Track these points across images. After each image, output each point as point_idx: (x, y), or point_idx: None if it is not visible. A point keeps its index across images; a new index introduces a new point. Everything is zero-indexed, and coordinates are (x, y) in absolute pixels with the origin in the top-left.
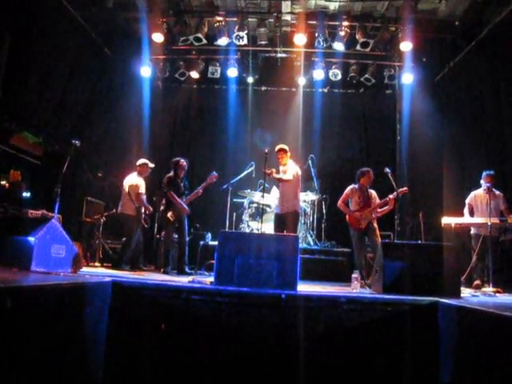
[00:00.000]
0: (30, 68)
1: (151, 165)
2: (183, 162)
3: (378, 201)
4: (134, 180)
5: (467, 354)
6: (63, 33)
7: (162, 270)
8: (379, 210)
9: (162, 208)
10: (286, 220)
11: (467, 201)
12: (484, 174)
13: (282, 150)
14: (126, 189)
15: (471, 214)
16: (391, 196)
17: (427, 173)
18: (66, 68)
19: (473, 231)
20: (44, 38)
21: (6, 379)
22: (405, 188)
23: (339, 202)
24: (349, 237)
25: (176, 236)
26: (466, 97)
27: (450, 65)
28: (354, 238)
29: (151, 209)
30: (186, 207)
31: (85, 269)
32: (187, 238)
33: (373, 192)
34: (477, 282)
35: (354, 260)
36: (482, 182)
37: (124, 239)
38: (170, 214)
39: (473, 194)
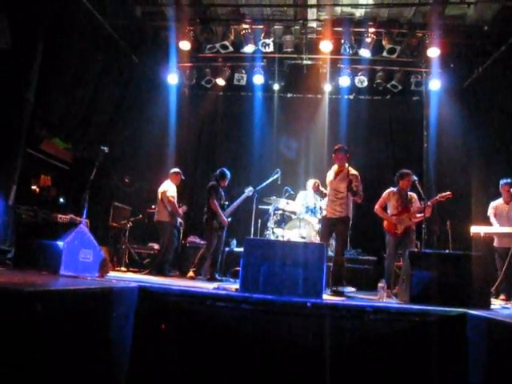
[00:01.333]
0: (61, 75)
1: (182, 176)
2: (225, 172)
3: (418, 205)
4: (165, 186)
5: (497, 368)
6: (92, 41)
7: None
8: (418, 216)
9: (205, 216)
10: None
11: (488, 214)
12: (501, 182)
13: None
14: (159, 196)
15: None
16: (429, 202)
17: (455, 181)
18: (94, 75)
19: (496, 244)
20: (74, 45)
21: (34, 382)
22: (448, 193)
23: (376, 207)
24: (375, 245)
25: (203, 242)
26: (495, 103)
27: (478, 71)
28: (389, 244)
29: (181, 213)
30: (225, 219)
31: (111, 273)
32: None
33: (414, 195)
34: (502, 297)
35: (385, 267)
36: (501, 191)
37: (158, 246)
38: (215, 222)
39: (492, 204)
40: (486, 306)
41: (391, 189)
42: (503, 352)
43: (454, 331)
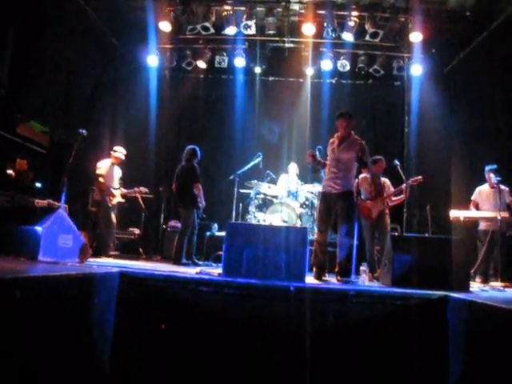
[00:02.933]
0: (37, 58)
1: (120, 155)
2: (197, 150)
3: (391, 189)
4: (98, 164)
5: (477, 349)
6: (69, 22)
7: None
8: (394, 199)
9: (184, 198)
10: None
11: (472, 197)
12: (487, 168)
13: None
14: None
15: (476, 210)
16: (405, 185)
17: (435, 165)
18: (72, 57)
19: (480, 227)
20: (50, 27)
21: (14, 369)
22: (419, 177)
23: None
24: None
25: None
26: (476, 89)
27: (459, 56)
28: (365, 228)
29: (113, 192)
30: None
31: (91, 259)
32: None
33: (386, 180)
34: (478, 279)
35: (366, 251)
36: (486, 177)
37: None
38: (199, 205)
39: (477, 189)
40: (466, 289)
41: (364, 174)
42: (482, 333)
43: (435, 314)
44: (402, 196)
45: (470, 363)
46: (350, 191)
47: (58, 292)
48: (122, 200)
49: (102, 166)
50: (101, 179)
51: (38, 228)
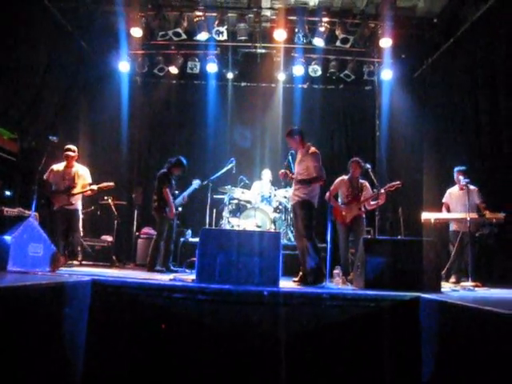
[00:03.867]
0: (4, 62)
1: (69, 153)
2: (182, 161)
3: (370, 192)
4: None
5: (448, 349)
6: (38, 26)
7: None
8: (372, 203)
9: (155, 204)
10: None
11: (443, 200)
12: (455, 169)
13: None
14: None
15: (448, 212)
16: (382, 190)
17: (407, 168)
18: (41, 62)
19: (451, 228)
20: (18, 31)
21: None
22: (397, 182)
23: (327, 194)
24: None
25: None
26: (445, 93)
27: (428, 61)
28: (340, 231)
29: (56, 195)
30: (174, 211)
31: (63, 268)
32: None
33: (365, 183)
34: (452, 279)
35: (340, 255)
36: (455, 178)
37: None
38: (167, 210)
39: (448, 192)
40: (437, 289)
41: (343, 177)
42: (453, 332)
43: (408, 315)
44: (379, 201)
45: (442, 362)
46: (306, 200)
47: (27, 302)
48: (74, 203)
49: (49, 169)
50: (44, 183)
51: (7, 237)
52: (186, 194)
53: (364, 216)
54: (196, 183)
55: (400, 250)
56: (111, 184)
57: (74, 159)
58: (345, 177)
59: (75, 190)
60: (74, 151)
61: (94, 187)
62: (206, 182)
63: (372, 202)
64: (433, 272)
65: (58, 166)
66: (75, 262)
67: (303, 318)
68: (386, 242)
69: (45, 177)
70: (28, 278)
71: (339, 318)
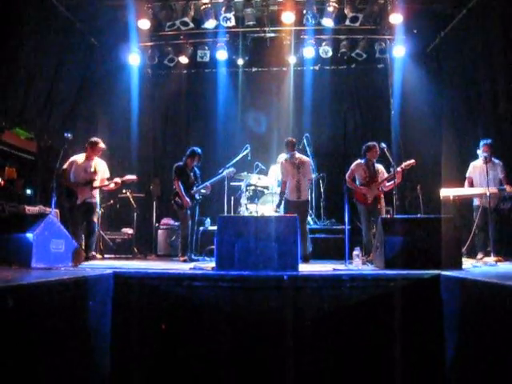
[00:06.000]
0: (16, 62)
1: (102, 145)
2: (194, 150)
3: (385, 175)
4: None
5: (470, 326)
6: (47, 24)
7: (182, 259)
8: (387, 184)
9: (171, 196)
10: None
11: (467, 174)
12: (481, 143)
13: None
14: None
15: (471, 186)
16: (398, 169)
17: (424, 145)
18: (52, 60)
19: (475, 203)
20: (28, 30)
21: (11, 380)
22: (412, 161)
23: (347, 178)
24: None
25: (177, 223)
26: (460, 66)
27: (440, 35)
28: (361, 213)
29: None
30: (188, 200)
31: (85, 262)
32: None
33: (380, 166)
34: (480, 255)
35: (363, 236)
36: (478, 152)
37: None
38: (180, 202)
39: (471, 165)
40: (458, 266)
41: (359, 161)
42: (475, 309)
43: (429, 293)
44: (396, 181)
45: (465, 339)
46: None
47: (52, 298)
48: (96, 196)
49: (69, 161)
50: (66, 174)
51: (29, 235)
52: (208, 182)
53: (382, 196)
54: (229, 172)
55: (419, 228)
56: (134, 177)
57: (99, 153)
58: (361, 161)
59: (96, 184)
60: (96, 143)
61: (118, 180)
62: (222, 170)
63: (387, 184)
64: (453, 249)
65: (79, 158)
66: (98, 256)
67: (324, 300)
68: (404, 220)
69: (65, 166)
70: (52, 273)
71: (360, 299)
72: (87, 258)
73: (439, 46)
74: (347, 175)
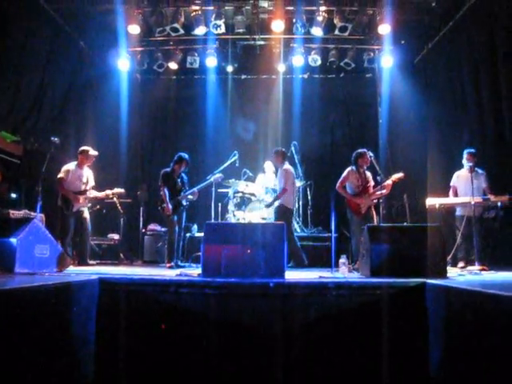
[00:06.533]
0: (3, 66)
1: (93, 152)
2: (182, 156)
3: (372, 182)
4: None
5: (455, 334)
6: (35, 27)
7: (168, 265)
8: (377, 193)
9: (159, 203)
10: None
11: (451, 183)
12: (465, 152)
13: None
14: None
15: (455, 195)
16: (389, 181)
17: (411, 155)
18: (40, 63)
19: (457, 213)
20: (15, 32)
21: None
22: (401, 174)
23: (338, 185)
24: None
25: (164, 229)
26: (446, 78)
27: (428, 46)
28: (353, 222)
29: (77, 197)
30: (170, 207)
31: (71, 267)
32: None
33: (369, 174)
34: (461, 264)
35: (352, 245)
36: (463, 161)
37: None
38: (163, 208)
39: (455, 174)
40: (443, 274)
41: (350, 168)
42: (460, 318)
43: (414, 301)
44: (384, 191)
45: (450, 347)
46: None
47: (35, 303)
48: (88, 204)
49: (64, 169)
50: (61, 182)
51: (13, 240)
52: (196, 188)
53: (381, 206)
54: (214, 177)
55: (405, 237)
56: (122, 190)
57: (91, 161)
58: (353, 168)
59: (89, 193)
60: (88, 152)
61: (109, 192)
62: (209, 177)
63: (378, 193)
64: (438, 257)
65: (71, 166)
66: (92, 262)
67: (310, 308)
68: (390, 229)
69: (62, 176)
70: (35, 279)
71: (346, 306)
72: (87, 265)
73: (426, 57)
74: (339, 182)
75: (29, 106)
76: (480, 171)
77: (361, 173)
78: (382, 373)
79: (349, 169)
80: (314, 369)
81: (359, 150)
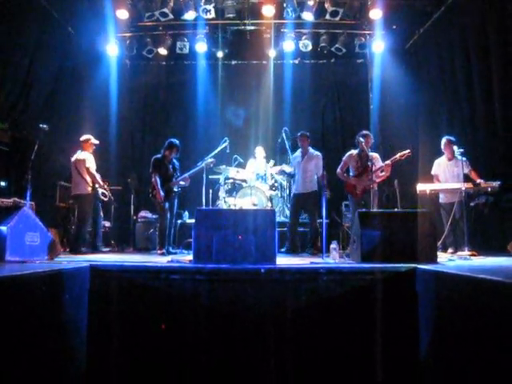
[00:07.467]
0: None
1: (95, 141)
2: (172, 142)
3: (380, 163)
4: (79, 155)
5: (444, 317)
6: (23, 14)
7: (159, 252)
8: (380, 175)
9: (150, 190)
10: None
11: (433, 172)
12: (445, 139)
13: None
14: (75, 166)
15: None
16: (388, 162)
17: (402, 140)
18: (28, 49)
19: (442, 200)
20: (2, 19)
21: None
22: (407, 151)
23: (338, 170)
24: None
25: (154, 216)
26: (437, 63)
27: (420, 31)
28: (351, 205)
29: (102, 183)
30: (162, 194)
31: (63, 255)
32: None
33: (376, 155)
34: (450, 250)
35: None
36: (443, 147)
37: (77, 221)
38: (154, 194)
39: (436, 162)
40: (434, 260)
41: (351, 151)
42: (448, 301)
43: (404, 286)
44: (384, 174)
45: (439, 331)
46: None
47: (26, 292)
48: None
49: (90, 159)
50: (93, 171)
51: (3, 228)
52: (187, 174)
53: (376, 188)
54: (206, 163)
55: (395, 223)
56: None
57: (92, 149)
58: (354, 151)
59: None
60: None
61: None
62: (200, 163)
63: (380, 174)
64: (428, 243)
65: (91, 155)
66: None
67: (301, 293)
68: (380, 214)
69: (90, 165)
70: (26, 267)
71: (336, 292)
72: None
73: (418, 42)
74: (339, 167)
75: (16, 92)
76: (459, 157)
77: (362, 155)
78: (373, 357)
79: (349, 152)
80: (305, 354)
81: (362, 132)
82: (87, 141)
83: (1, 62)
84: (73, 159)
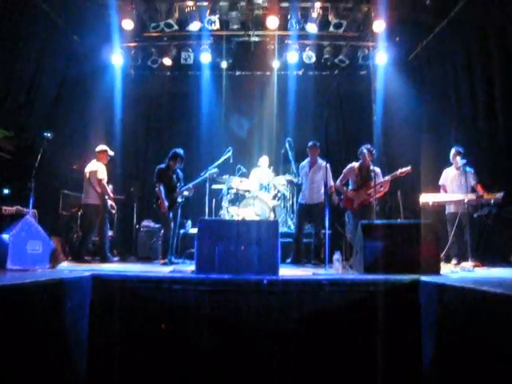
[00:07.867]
0: None
1: (111, 152)
2: (177, 152)
3: (381, 178)
4: (93, 166)
5: (447, 329)
6: (29, 23)
7: (162, 262)
8: (379, 190)
9: (154, 200)
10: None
11: (440, 182)
12: (453, 149)
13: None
14: (87, 176)
15: (445, 192)
16: (388, 178)
17: (405, 151)
18: (32, 58)
19: (448, 211)
20: (6, 28)
21: None
22: (409, 167)
23: (337, 182)
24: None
25: (157, 226)
26: (440, 75)
27: (422, 44)
28: (349, 218)
29: (112, 195)
30: (166, 204)
31: (64, 264)
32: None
33: (377, 169)
34: (454, 261)
35: (348, 240)
36: (452, 158)
37: (83, 230)
38: (158, 204)
39: (444, 172)
40: (437, 271)
41: (353, 164)
42: (452, 313)
43: (408, 298)
44: (383, 189)
45: (442, 343)
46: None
47: (27, 300)
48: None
49: (100, 169)
50: (104, 182)
51: (5, 236)
52: (191, 184)
53: (375, 203)
54: (209, 173)
55: (398, 234)
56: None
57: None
58: (355, 164)
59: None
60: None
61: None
62: (204, 173)
63: (379, 189)
64: (432, 254)
65: (102, 166)
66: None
67: (303, 304)
68: (383, 226)
69: (103, 177)
70: (27, 275)
71: (339, 303)
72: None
73: (420, 54)
74: (339, 179)
75: (21, 100)
76: (468, 169)
77: (362, 169)
78: (376, 368)
79: (350, 165)
80: (308, 365)
81: (367, 145)
82: (104, 152)
83: (6, 70)
84: (86, 169)
